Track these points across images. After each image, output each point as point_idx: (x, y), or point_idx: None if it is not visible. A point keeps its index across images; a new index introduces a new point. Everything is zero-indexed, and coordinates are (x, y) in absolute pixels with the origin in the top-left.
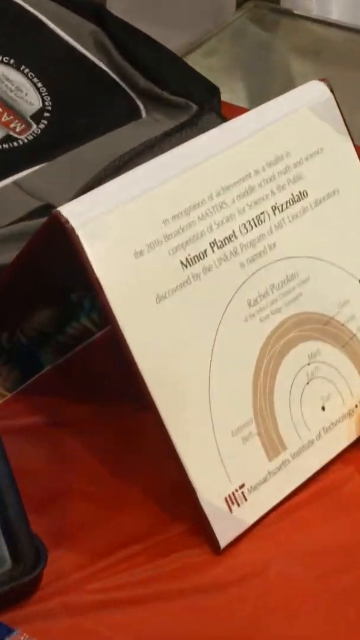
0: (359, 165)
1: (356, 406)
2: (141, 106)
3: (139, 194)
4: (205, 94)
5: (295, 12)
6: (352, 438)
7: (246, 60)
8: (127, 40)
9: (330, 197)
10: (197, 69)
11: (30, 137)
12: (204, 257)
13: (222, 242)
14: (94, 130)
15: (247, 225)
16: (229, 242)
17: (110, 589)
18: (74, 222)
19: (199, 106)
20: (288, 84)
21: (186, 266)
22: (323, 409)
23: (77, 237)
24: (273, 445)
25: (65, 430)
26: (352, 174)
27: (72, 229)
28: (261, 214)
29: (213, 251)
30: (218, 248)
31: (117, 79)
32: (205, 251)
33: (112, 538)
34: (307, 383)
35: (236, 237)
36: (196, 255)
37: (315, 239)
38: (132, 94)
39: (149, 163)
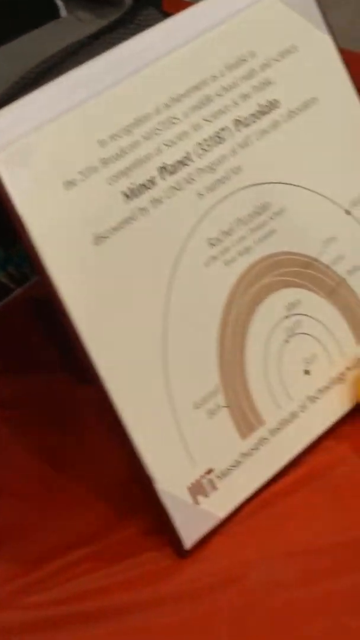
0: (342, 66)
1: (348, 369)
2: (59, 2)
3: (66, 108)
4: None
5: None
6: (345, 409)
7: None
8: None
9: (308, 107)
10: None
11: None
12: (151, 186)
13: (173, 166)
14: (4, 32)
15: (204, 144)
16: (182, 166)
17: (48, 604)
18: None
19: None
20: None
21: (130, 198)
22: (307, 372)
23: None
24: (246, 419)
25: None
26: (333, 77)
27: None
28: (222, 130)
29: (163, 178)
30: (169, 174)
31: None
32: (153, 179)
33: (51, 543)
34: (286, 341)
35: (191, 160)
36: (142, 184)
37: (290, 160)
38: None
39: (78, 71)
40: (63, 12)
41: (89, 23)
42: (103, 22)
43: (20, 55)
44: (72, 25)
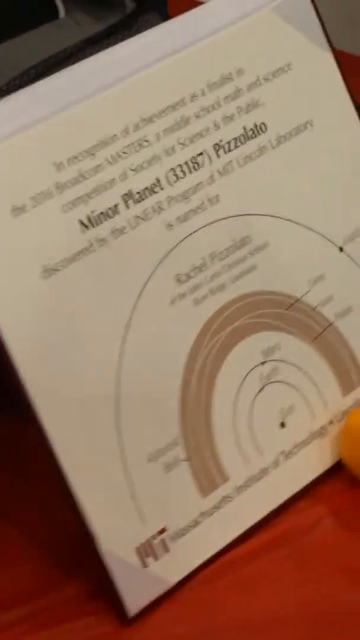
0: (342, 86)
1: (331, 422)
2: (59, 3)
3: (19, 127)
4: None
5: None
6: (326, 466)
7: None
8: None
9: (300, 132)
10: None
11: None
12: (113, 214)
13: (140, 194)
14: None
15: (178, 170)
16: (150, 194)
17: None
18: None
19: (137, 2)
20: None
21: (87, 227)
22: (282, 425)
23: None
24: (208, 475)
25: None
26: (331, 99)
27: None
28: (199, 155)
29: (127, 207)
30: (135, 203)
31: None
32: (115, 207)
33: None
34: (261, 389)
35: (161, 188)
36: (102, 213)
37: (277, 190)
38: None
39: (43, 83)
40: (62, 13)
41: (86, 26)
42: (101, 26)
43: (6, 61)
44: (69, 28)
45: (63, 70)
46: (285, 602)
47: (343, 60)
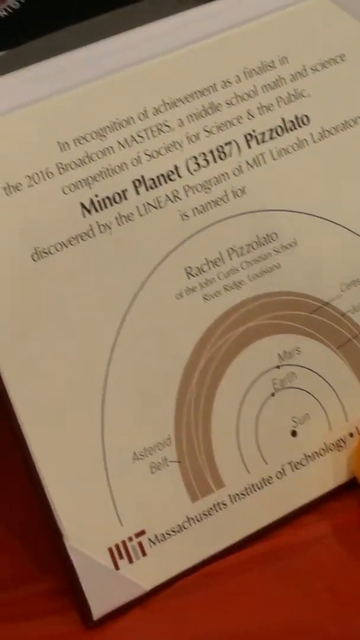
0: None
1: (351, 435)
2: None
3: (26, 102)
4: None
5: None
6: (339, 482)
7: None
8: None
9: (347, 128)
10: None
11: (3, 13)
12: (121, 199)
13: (154, 181)
14: (80, 12)
15: (201, 159)
16: (166, 181)
17: None
18: None
19: None
20: None
21: (89, 211)
22: (294, 434)
23: None
24: (201, 480)
25: None
26: None
27: None
28: (226, 144)
29: (138, 192)
30: (147, 189)
31: None
32: (124, 192)
33: None
34: (272, 394)
35: (179, 176)
36: (108, 197)
37: (313, 187)
38: None
39: (58, 58)
40: None
41: (170, 10)
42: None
43: (94, 34)
44: (153, 11)
45: (94, 44)
46: (266, 619)
47: None
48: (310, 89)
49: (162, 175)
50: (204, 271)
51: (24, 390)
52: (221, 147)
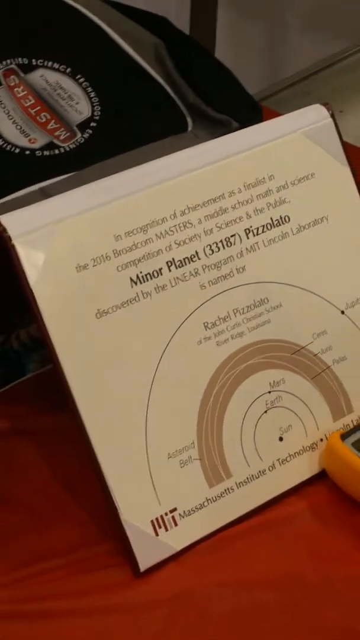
0: (356, 193)
1: (321, 440)
2: (189, 121)
3: (91, 207)
4: (248, 112)
5: None
6: (313, 472)
7: None
8: (185, 54)
9: (317, 224)
10: (326, 86)
11: (72, 146)
12: (158, 275)
13: (181, 261)
14: (136, 141)
15: (214, 246)
16: (189, 262)
17: (19, 600)
18: (11, 232)
19: (241, 124)
20: None
21: (136, 283)
22: (281, 439)
23: (12, 246)
24: (216, 471)
25: (26, 439)
26: (345, 202)
27: (9, 238)
28: (232, 236)
29: (170, 270)
30: (176, 267)
31: (171, 93)
32: (160, 270)
33: (39, 549)
34: (265, 412)
35: (199, 258)
36: (149, 273)
37: (293, 266)
38: (182, 109)
39: (116, 176)
40: (190, 126)
41: (201, 139)
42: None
43: (139, 161)
44: (188, 140)
45: (139, 166)
46: (261, 571)
47: None
48: (291, 197)
49: (187, 258)
50: (216, 325)
51: (91, 408)
52: (228, 238)
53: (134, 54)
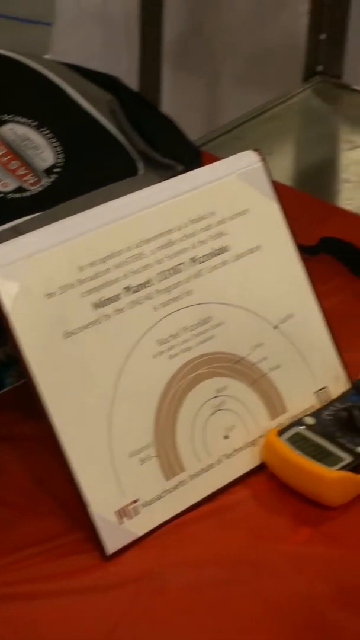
0: (284, 224)
1: (261, 436)
2: (140, 165)
3: (58, 242)
4: (191, 157)
5: (354, 87)
6: (255, 464)
7: (302, 129)
8: (135, 109)
9: (252, 252)
10: (257, 132)
11: (40, 189)
12: (116, 300)
13: (136, 287)
14: (95, 184)
15: (164, 274)
16: (143, 287)
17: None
18: None
19: (185, 167)
20: (332, 151)
21: (98, 307)
22: (226, 437)
23: None
24: (171, 466)
25: (5, 444)
26: (275, 233)
27: None
28: (179, 264)
29: (127, 295)
30: (132, 293)
31: (124, 142)
32: (118, 295)
33: (16, 540)
34: (212, 414)
35: (152, 284)
36: (109, 298)
37: (233, 288)
38: (134, 156)
39: (78, 215)
40: (141, 170)
41: (152, 180)
42: (161, 181)
43: (101, 199)
44: (141, 181)
45: (98, 206)
46: (211, 551)
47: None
48: (229, 230)
49: (141, 284)
50: (168, 341)
51: (62, 416)
52: (176, 266)
53: (91, 109)
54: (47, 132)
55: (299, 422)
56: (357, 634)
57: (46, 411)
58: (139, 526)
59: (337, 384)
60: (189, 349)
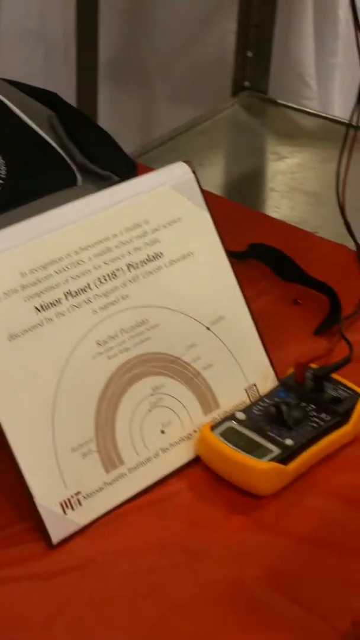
0: (214, 232)
1: (195, 431)
2: (79, 177)
3: (1, 250)
4: (126, 169)
5: (279, 101)
6: (190, 458)
7: (231, 141)
8: (73, 123)
9: (185, 258)
10: (188, 145)
11: None
12: (57, 304)
13: (76, 292)
14: (36, 194)
15: (102, 279)
16: (83, 292)
17: None
18: None
19: (120, 178)
20: (260, 162)
21: (40, 311)
22: (163, 432)
23: None
24: (111, 460)
25: None
26: (206, 240)
27: None
28: (117, 270)
29: (67, 299)
30: (72, 297)
31: (63, 155)
32: (59, 299)
33: None
34: (150, 410)
35: (90, 289)
36: (50, 303)
37: (167, 292)
38: (73, 167)
39: (21, 224)
40: (79, 181)
41: (90, 191)
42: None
43: (42, 209)
44: (80, 191)
45: (39, 215)
46: (150, 539)
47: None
48: (162, 237)
49: (81, 289)
50: (107, 342)
51: (8, 413)
52: (113, 272)
53: (32, 124)
54: None
55: (230, 417)
56: (287, 614)
57: None
58: (81, 517)
59: (266, 381)
60: (126, 349)
